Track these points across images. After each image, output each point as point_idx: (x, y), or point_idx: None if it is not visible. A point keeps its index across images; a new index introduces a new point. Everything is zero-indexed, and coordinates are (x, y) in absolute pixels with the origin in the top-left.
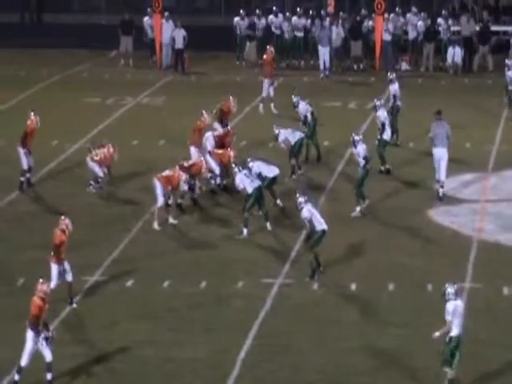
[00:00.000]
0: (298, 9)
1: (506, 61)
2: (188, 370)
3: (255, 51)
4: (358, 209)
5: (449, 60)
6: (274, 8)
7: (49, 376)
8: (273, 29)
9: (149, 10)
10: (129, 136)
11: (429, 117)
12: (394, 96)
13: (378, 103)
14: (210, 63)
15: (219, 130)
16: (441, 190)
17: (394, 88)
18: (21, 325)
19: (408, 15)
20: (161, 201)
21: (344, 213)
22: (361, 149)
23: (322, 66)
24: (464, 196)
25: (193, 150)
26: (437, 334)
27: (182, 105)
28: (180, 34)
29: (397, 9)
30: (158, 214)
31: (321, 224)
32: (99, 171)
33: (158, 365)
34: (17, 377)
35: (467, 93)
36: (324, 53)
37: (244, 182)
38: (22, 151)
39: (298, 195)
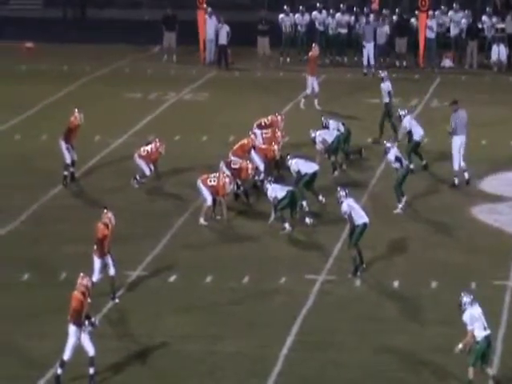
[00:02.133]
0: (342, 5)
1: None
2: (230, 365)
3: (268, 46)
4: (400, 206)
5: (493, 57)
6: (318, 4)
7: (91, 370)
8: (316, 25)
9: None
10: (171, 131)
11: (472, 113)
12: (389, 93)
13: (402, 113)
14: (254, 59)
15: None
16: (466, 174)
17: (387, 85)
18: (63, 318)
19: (450, 12)
20: (209, 200)
21: (386, 210)
22: (391, 155)
23: (365, 62)
24: (508, 194)
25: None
26: (460, 346)
27: (225, 101)
28: (223, 30)
29: (442, 7)
30: (206, 211)
31: (361, 217)
32: (146, 168)
33: (199, 359)
34: (59, 371)
35: (511, 90)
36: (369, 49)
37: (275, 190)
38: (64, 146)
39: (338, 189)
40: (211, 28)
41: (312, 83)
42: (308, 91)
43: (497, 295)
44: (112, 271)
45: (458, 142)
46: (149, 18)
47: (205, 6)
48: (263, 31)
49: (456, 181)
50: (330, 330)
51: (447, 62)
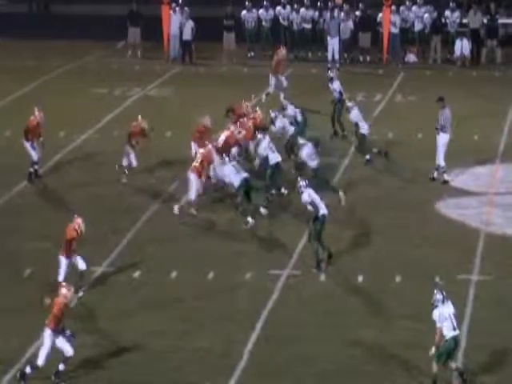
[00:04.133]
0: (306, 0)
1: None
2: (196, 360)
3: (233, 41)
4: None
5: (457, 52)
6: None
7: (61, 366)
8: (281, 20)
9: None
10: None
11: (436, 109)
12: (340, 92)
13: (349, 104)
14: (218, 54)
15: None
16: (445, 175)
17: (337, 84)
18: (29, 314)
19: (414, 7)
20: (193, 196)
21: (351, 204)
22: (354, 115)
23: (330, 57)
24: (472, 188)
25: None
26: (433, 350)
27: (190, 96)
28: (188, 26)
29: (406, 2)
30: (184, 205)
31: (321, 209)
32: (128, 160)
33: (167, 355)
34: (28, 370)
35: (475, 85)
36: (333, 44)
37: (230, 173)
38: (27, 144)
39: (298, 179)
40: (176, 23)
41: (276, 81)
42: (270, 90)
43: (461, 289)
44: (82, 266)
45: (445, 139)
46: (114, 13)
47: (169, 1)
48: (229, 26)
49: (445, 176)
50: (296, 325)
51: (411, 57)
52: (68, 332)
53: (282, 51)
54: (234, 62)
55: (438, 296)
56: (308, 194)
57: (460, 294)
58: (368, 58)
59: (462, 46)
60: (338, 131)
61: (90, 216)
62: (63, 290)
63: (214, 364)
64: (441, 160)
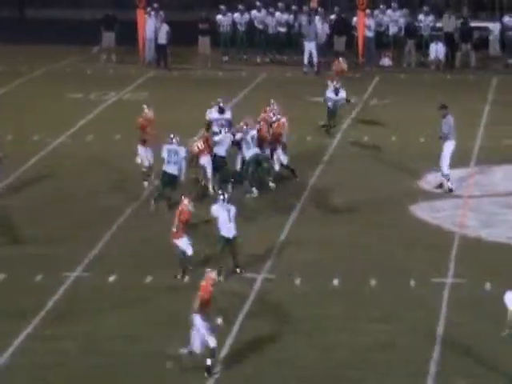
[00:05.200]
0: (280, 4)
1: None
2: (173, 365)
3: (208, 45)
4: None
5: (431, 56)
6: (258, 3)
7: (209, 361)
8: (256, 24)
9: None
10: (111, 131)
11: (411, 111)
12: (347, 99)
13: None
14: (193, 59)
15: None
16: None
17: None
18: None
19: (388, 11)
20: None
21: (325, 207)
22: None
23: (306, 61)
24: (447, 191)
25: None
26: (506, 332)
27: (165, 100)
28: (163, 30)
29: (380, 6)
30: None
31: (225, 230)
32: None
33: (139, 360)
34: (209, 362)
35: (449, 88)
36: (311, 47)
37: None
38: None
39: (220, 192)
40: (151, 27)
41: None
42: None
43: (435, 292)
44: (190, 251)
45: (451, 147)
46: (89, 17)
47: (144, 5)
48: (204, 30)
49: (449, 184)
50: (271, 329)
51: (386, 61)
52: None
53: (341, 63)
54: (209, 66)
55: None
56: (216, 210)
57: (434, 296)
58: None
59: (437, 50)
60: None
61: (63, 219)
62: (209, 274)
63: (190, 369)
64: (445, 168)
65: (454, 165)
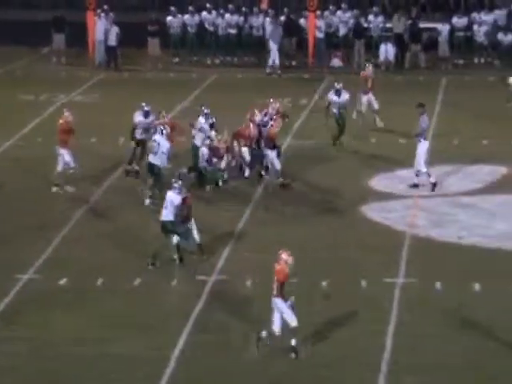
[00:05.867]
0: (231, 6)
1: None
2: (122, 368)
3: (158, 46)
4: None
5: (381, 57)
6: (208, 5)
7: (293, 342)
8: (206, 26)
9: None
10: None
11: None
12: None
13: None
14: (143, 60)
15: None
16: (415, 179)
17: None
18: None
19: (338, 12)
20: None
21: (278, 210)
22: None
23: (271, 63)
24: (397, 192)
25: None
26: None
27: (115, 102)
28: (113, 31)
29: (330, 7)
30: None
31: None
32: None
33: (91, 362)
34: (264, 334)
35: (399, 89)
36: (274, 49)
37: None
38: None
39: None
40: (101, 29)
41: (367, 100)
42: (362, 108)
43: (386, 292)
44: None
45: (427, 146)
46: (40, 18)
47: (94, 7)
48: (153, 32)
49: (432, 180)
50: (222, 330)
51: (336, 62)
52: (290, 301)
53: (369, 68)
54: (160, 68)
55: None
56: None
57: (386, 296)
58: (294, 63)
59: (387, 51)
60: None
61: (14, 221)
62: (284, 256)
63: (140, 371)
64: (422, 166)
65: (405, 165)
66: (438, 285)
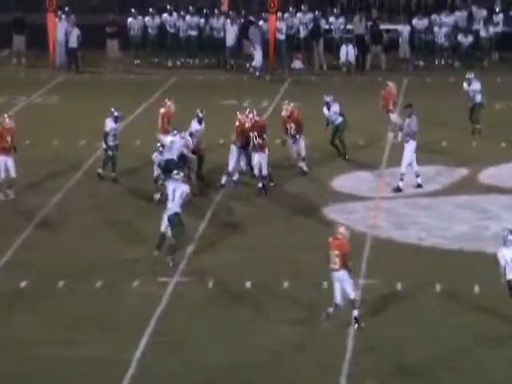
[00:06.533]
0: (191, 7)
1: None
2: (83, 370)
3: (117, 48)
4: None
5: (342, 58)
6: (168, 6)
7: (355, 312)
8: (167, 27)
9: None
10: (21, 136)
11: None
12: (341, 113)
13: (328, 99)
14: (104, 62)
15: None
16: (419, 179)
17: (337, 107)
18: None
19: (298, 14)
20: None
21: (241, 210)
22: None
23: (258, 64)
24: (359, 193)
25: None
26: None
27: (76, 104)
28: (74, 33)
29: (290, 9)
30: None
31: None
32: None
33: (52, 365)
34: (356, 312)
35: (360, 91)
36: (258, 52)
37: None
38: None
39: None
40: (61, 31)
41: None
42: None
43: None
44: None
45: (413, 146)
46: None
47: (55, 9)
48: (111, 34)
49: (401, 184)
50: (185, 331)
51: (297, 64)
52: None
53: (389, 85)
54: (120, 70)
55: (510, 237)
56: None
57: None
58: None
59: (348, 52)
60: (341, 150)
61: None
62: (341, 230)
63: (102, 373)
64: (403, 167)
65: (365, 167)
66: (399, 286)
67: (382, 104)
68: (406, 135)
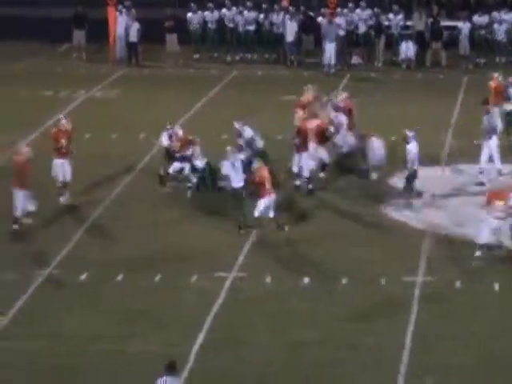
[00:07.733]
0: (249, 2)
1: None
2: (139, 364)
3: (176, 43)
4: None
5: (402, 55)
6: (227, 1)
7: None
8: (226, 22)
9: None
10: (81, 130)
11: (385, 111)
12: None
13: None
14: (164, 56)
15: None
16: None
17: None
18: None
19: (357, 10)
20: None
21: (299, 207)
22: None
23: (326, 61)
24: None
25: None
26: None
27: (135, 98)
28: (134, 27)
29: (349, 5)
30: None
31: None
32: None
33: (107, 359)
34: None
35: (420, 87)
36: (330, 48)
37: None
38: None
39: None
40: (121, 25)
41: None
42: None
43: (406, 291)
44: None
45: (496, 142)
46: (58, 15)
47: (115, 2)
48: (170, 28)
49: (484, 179)
50: (241, 327)
51: (356, 59)
52: None
53: (498, 78)
54: (180, 64)
55: None
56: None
57: (405, 295)
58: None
59: (407, 49)
60: None
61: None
62: None
63: (158, 368)
64: (483, 163)
65: (424, 163)
66: (457, 283)
67: (488, 98)
68: (487, 132)
